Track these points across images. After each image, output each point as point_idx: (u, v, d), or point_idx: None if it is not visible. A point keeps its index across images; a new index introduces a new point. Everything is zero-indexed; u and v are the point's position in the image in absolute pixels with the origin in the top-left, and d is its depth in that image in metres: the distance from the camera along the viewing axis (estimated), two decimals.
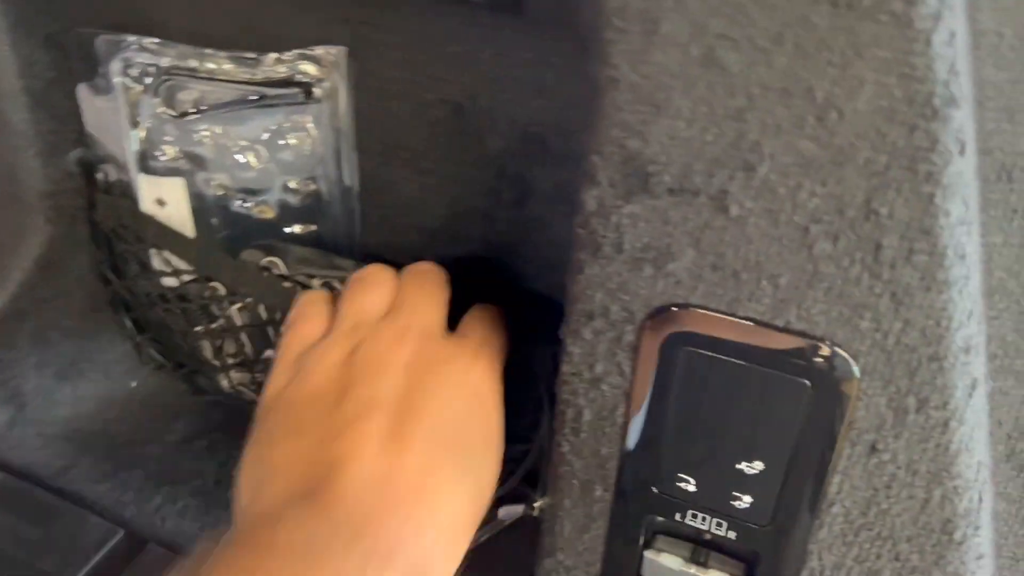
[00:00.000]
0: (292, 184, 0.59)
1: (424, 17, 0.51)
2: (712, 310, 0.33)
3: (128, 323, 0.65)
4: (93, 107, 0.59)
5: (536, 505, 0.43)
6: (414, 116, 0.56)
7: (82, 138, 0.60)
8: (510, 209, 0.56)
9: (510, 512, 0.55)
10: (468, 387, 0.42)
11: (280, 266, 0.58)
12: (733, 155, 0.31)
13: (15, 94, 0.55)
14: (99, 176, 0.60)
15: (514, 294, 0.59)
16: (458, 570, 0.38)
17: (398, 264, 0.62)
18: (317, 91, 0.55)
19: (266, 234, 0.60)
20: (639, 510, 0.39)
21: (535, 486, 0.55)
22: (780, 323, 0.33)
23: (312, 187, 0.59)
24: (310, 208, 0.59)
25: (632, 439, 0.38)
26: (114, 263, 0.63)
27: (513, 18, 0.47)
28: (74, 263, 0.62)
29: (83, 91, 0.58)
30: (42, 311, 0.61)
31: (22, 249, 0.59)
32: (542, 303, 0.59)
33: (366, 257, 0.62)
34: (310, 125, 0.56)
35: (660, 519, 0.40)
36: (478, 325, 0.48)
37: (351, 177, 0.58)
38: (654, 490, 0.38)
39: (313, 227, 0.60)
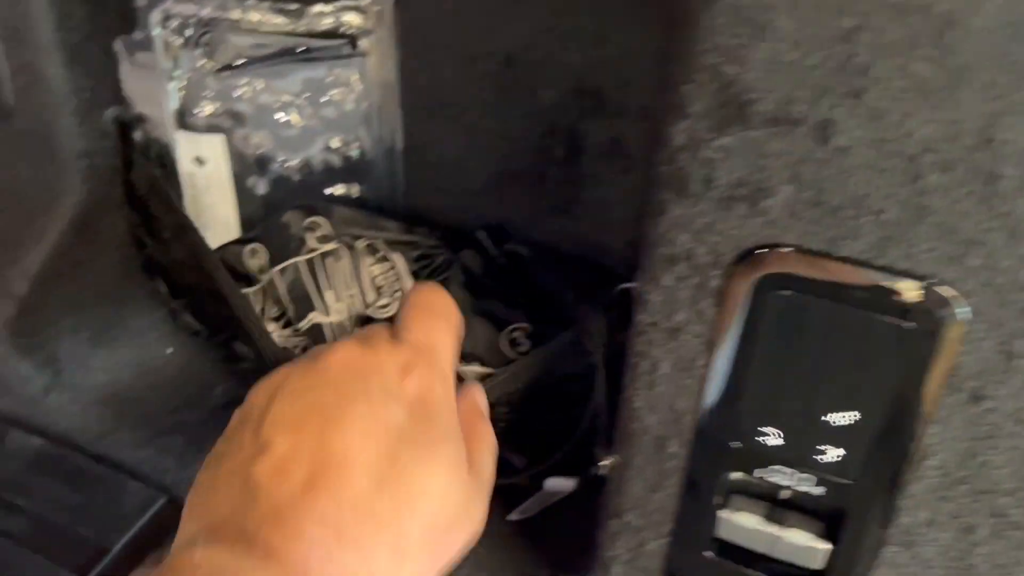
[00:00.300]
0: (334, 143, 0.57)
1: None
2: (808, 250, 0.32)
3: (163, 288, 0.63)
4: (130, 62, 0.57)
5: (603, 464, 0.42)
6: (461, 70, 0.54)
7: (119, 96, 0.58)
8: (560, 167, 0.54)
9: (558, 485, 0.54)
10: (403, 401, 0.36)
11: (325, 226, 0.56)
12: (839, 80, 0.29)
13: (51, 48, 0.53)
14: (136, 135, 0.59)
15: (563, 256, 0.57)
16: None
17: (443, 226, 0.60)
18: (363, 43, 0.53)
19: (307, 195, 0.58)
20: (716, 466, 0.38)
21: (584, 458, 0.54)
22: (882, 262, 0.31)
23: (356, 146, 0.57)
24: (353, 168, 0.58)
25: (712, 391, 0.36)
26: (149, 226, 0.62)
27: None
28: (108, 225, 0.61)
29: (120, 45, 0.56)
30: (76, 274, 0.60)
31: (57, 209, 0.57)
32: (591, 265, 0.57)
33: (410, 218, 0.61)
34: (354, 79, 0.55)
35: (738, 476, 0.38)
36: (417, 323, 0.40)
37: (395, 135, 0.57)
38: (734, 445, 0.37)
39: (356, 187, 0.59)
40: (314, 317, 0.55)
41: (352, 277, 0.55)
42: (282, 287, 0.56)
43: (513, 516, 0.53)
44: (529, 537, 0.53)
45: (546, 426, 0.54)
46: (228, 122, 0.56)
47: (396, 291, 0.55)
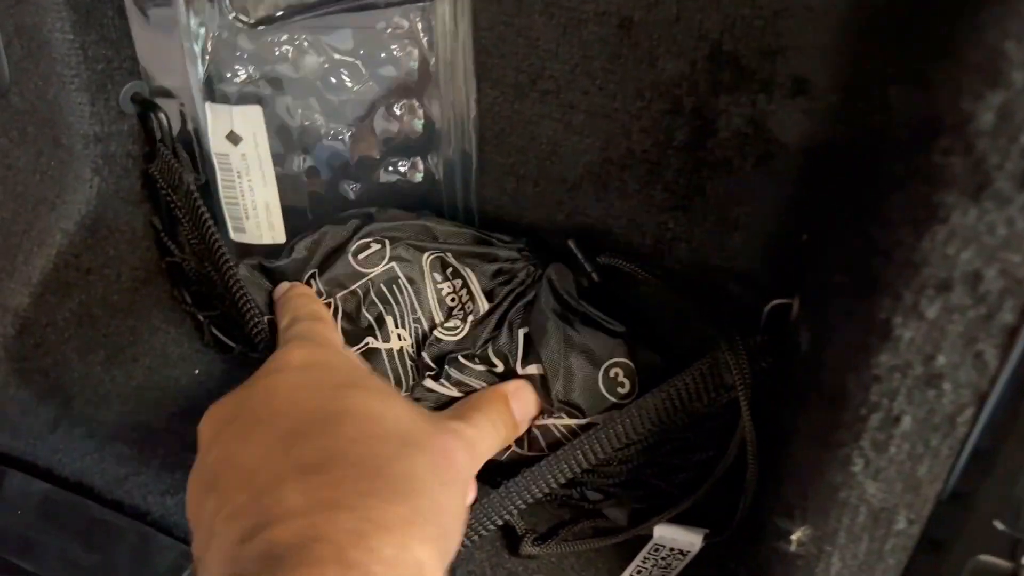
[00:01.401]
0: (396, 109, 0.47)
1: None
2: None
3: (188, 298, 0.54)
4: (147, 25, 0.47)
5: (793, 537, 0.33)
6: (563, 34, 0.44)
7: (137, 68, 0.48)
8: (681, 154, 0.45)
9: (676, 539, 0.45)
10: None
11: (380, 246, 0.46)
12: None
13: (58, 6, 0.43)
14: (160, 117, 0.49)
15: (686, 270, 0.48)
16: None
17: (525, 227, 0.51)
18: None
19: (364, 175, 0.49)
20: (968, 550, 0.29)
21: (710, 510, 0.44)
22: None
23: (420, 114, 0.47)
24: (416, 143, 0.48)
25: (980, 456, 0.27)
26: (173, 227, 0.52)
27: None
28: (124, 225, 0.51)
29: (133, 5, 0.46)
30: (86, 283, 0.50)
31: (63, 207, 0.48)
32: (729, 280, 0.48)
33: (483, 215, 0.51)
34: (419, 32, 0.45)
35: (991, 560, 0.29)
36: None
37: (468, 103, 0.47)
38: (999, 527, 0.28)
39: (419, 166, 0.49)
40: (371, 343, 0.45)
41: (415, 300, 0.46)
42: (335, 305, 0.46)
43: None
44: None
45: (660, 474, 0.45)
46: (267, 90, 0.46)
47: (469, 313, 0.46)
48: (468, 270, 0.46)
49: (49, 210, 0.47)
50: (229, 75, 0.46)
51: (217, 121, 0.47)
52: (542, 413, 0.43)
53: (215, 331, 0.53)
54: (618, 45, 0.43)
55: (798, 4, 0.38)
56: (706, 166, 0.44)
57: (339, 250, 0.46)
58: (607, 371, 0.44)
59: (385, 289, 0.45)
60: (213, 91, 0.47)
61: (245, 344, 0.50)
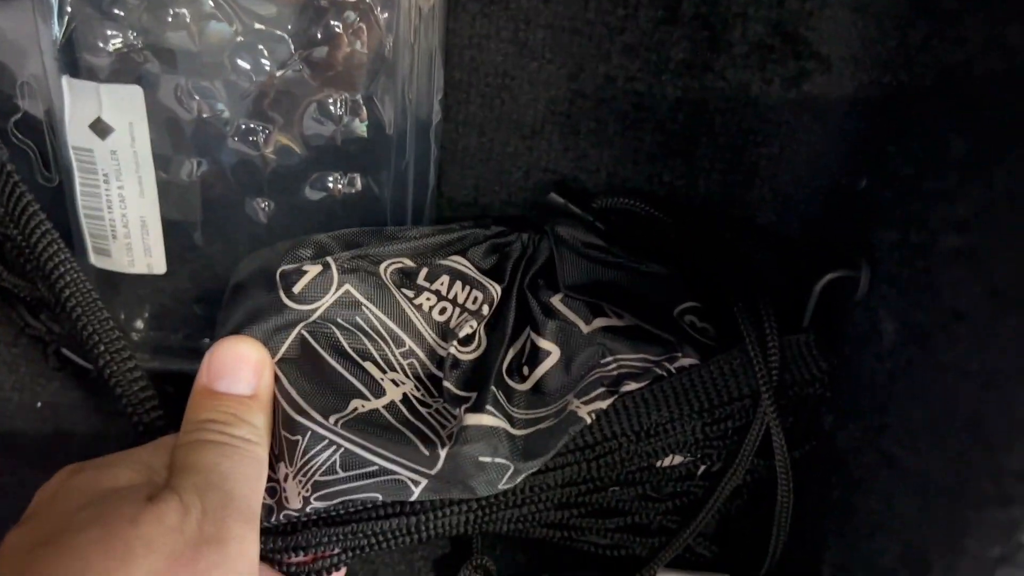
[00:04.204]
0: (331, 106, 0.35)
1: None
2: None
3: (24, 315, 0.40)
4: None
5: None
6: None
7: None
8: (682, 78, 0.34)
9: None
10: None
11: (330, 270, 0.33)
12: None
13: None
14: None
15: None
16: None
17: (481, 208, 0.39)
18: None
19: (281, 189, 0.36)
20: None
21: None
22: None
23: (363, 115, 0.35)
24: (359, 145, 0.36)
25: None
26: None
27: None
28: None
29: None
30: None
31: None
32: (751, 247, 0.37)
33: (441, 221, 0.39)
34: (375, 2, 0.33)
35: None
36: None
37: (432, 106, 0.35)
38: None
39: (356, 186, 0.37)
40: (359, 407, 0.32)
41: (394, 326, 0.34)
42: (287, 380, 0.33)
43: None
44: None
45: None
46: (152, 65, 0.33)
47: (473, 314, 0.35)
48: (450, 262, 0.34)
49: None
50: (99, 41, 0.33)
51: (78, 103, 0.34)
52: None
53: (65, 351, 0.39)
54: None
55: None
56: (715, 95, 0.33)
57: (254, 293, 0.33)
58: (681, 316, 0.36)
59: (348, 324, 0.33)
60: (75, 61, 0.33)
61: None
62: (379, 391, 0.32)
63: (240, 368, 0.30)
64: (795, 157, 0.35)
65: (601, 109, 0.34)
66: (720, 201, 0.36)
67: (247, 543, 0.27)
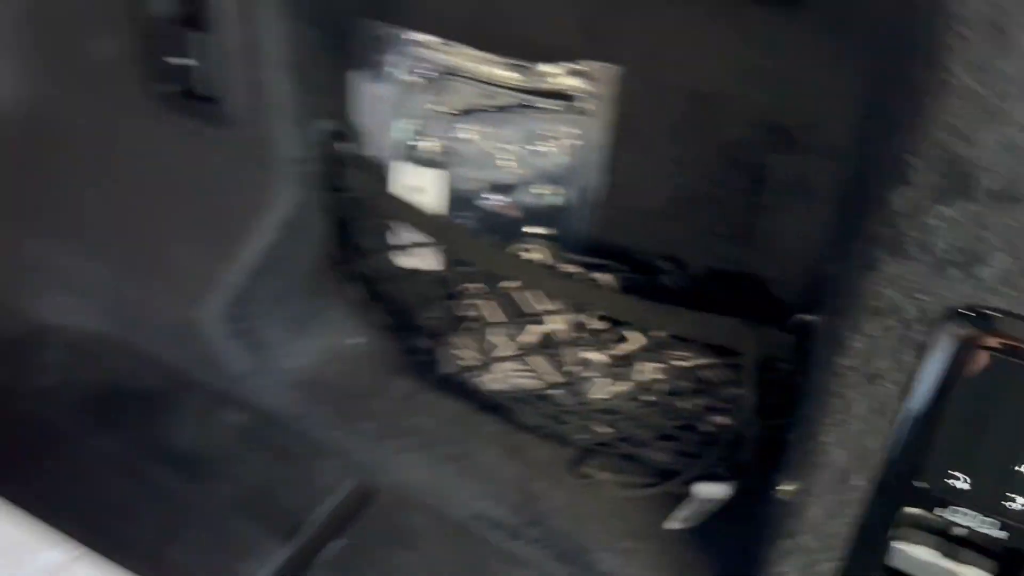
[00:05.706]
0: (542, 189, 0.62)
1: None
2: (1019, 316, 0.34)
3: (358, 288, 0.69)
4: (361, 92, 0.63)
5: (785, 488, 0.45)
6: (656, 108, 0.57)
7: (334, 112, 0.64)
8: (739, 196, 0.57)
9: (711, 492, 0.57)
10: None
11: (547, 255, 0.60)
12: None
13: (281, 67, 0.59)
14: (346, 149, 0.64)
15: (731, 278, 0.60)
16: None
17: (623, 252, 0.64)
18: (584, 104, 0.57)
19: (507, 232, 0.63)
20: (897, 501, 0.41)
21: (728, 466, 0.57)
22: None
23: (560, 193, 0.62)
24: (552, 212, 0.62)
25: (904, 434, 0.39)
26: (348, 232, 0.67)
27: (786, 12, 0.48)
28: (310, 225, 0.67)
29: (353, 76, 0.62)
30: (282, 269, 0.66)
31: (273, 210, 0.64)
32: (755, 290, 0.60)
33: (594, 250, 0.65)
34: (572, 136, 0.59)
35: (915, 511, 0.41)
36: None
37: (597, 186, 0.61)
38: (919, 484, 0.39)
39: (552, 229, 0.63)
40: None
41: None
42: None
43: (674, 525, 0.57)
44: (687, 544, 0.56)
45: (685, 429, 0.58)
46: (448, 159, 0.62)
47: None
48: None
49: (263, 212, 0.63)
50: (422, 143, 0.62)
51: (407, 175, 0.63)
52: None
53: (375, 311, 0.69)
54: (694, 114, 0.56)
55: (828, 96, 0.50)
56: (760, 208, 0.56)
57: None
58: None
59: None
60: (408, 153, 0.62)
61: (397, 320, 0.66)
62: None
63: None
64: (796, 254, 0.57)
65: (693, 204, 0.59)
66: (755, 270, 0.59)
67: None
